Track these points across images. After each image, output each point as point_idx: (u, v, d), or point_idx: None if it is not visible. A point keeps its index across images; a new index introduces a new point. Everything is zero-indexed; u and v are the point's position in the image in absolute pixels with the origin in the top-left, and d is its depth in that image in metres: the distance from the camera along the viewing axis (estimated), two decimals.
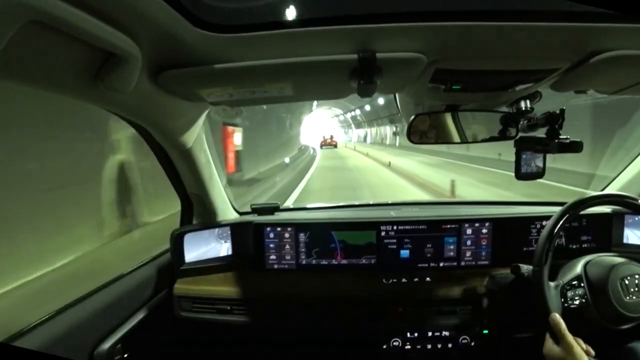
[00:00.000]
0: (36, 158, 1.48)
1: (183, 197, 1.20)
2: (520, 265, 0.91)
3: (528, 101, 0.91)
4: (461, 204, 1.74)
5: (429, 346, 1.09)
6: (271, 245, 1.21)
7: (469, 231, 1.17)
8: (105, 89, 0.56)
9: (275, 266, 1.21)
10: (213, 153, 1.15)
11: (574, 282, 0.87)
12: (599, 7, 0.52)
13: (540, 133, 0.92)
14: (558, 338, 0.77)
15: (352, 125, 50.14)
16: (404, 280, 1.12)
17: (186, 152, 0.99)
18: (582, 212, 0.89)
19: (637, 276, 0.83)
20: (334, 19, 0.58)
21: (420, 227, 1.18)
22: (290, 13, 0.59)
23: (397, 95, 1.01)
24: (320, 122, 63.06)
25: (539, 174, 1.04)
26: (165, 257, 1.16)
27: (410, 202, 1.56)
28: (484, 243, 1.17)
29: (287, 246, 1.20)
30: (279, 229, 1.20)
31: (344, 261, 1.19)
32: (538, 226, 1.17)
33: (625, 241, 1.19)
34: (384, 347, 1.09)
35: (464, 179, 8.87)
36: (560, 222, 0.86)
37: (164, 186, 1.10)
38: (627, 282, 0.82)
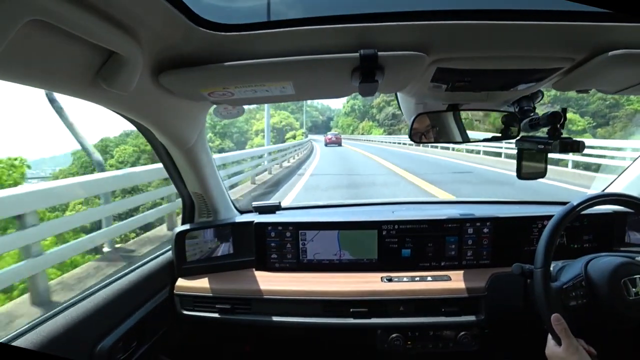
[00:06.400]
0: None
1: (185, 196, 1.20)
2: (522, 264, 0.91)
3: (530, 100, 0.91)
4: (462, 203, 1.73)
5: (430, 345, 1.09)
6: (272, 245, 1.21)
7: (470, 230, 1.17)
8: (107, 88, 0.56)
9: (277, 265, 1.21)
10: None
11: (575, 282, 0.87)
12: (601, 7, 0.52)
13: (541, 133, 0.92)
14: (560, 338, 0.77)
15: None
16: (405, 279, 1.12)
17: (188, 151, 0.99)
18: (584, 212, 0.89)
19: (638, 276, 0.83)
20: (335, 17, 0.58)
21: (422, 226, 1.18)
22: (292, 12, 0.59)
23: (398, 94, 1.01)
24: None
25: (541, 173, 1.04)
26: (167, 256, 1.16)
27: (412, 202, 1.56)
28: (485, 242, 1.17)
29: (289, 245, 1.20)
30: (280, 228, 1.20)
31: (346, 260, 1.19)
32: (539, 226, 1.17)
33: (626, 241, 1.19)
34: (385, 345, 1.09)
35: None
36: (562, 222, 0.86)
37: None
38: (628, 281, 0.82)
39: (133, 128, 0.88)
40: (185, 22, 0.55)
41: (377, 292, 1.08)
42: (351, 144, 30.87)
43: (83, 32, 0.44)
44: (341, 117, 61.55)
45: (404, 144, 22.30)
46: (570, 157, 8.57)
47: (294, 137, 42.84)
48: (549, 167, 1.02)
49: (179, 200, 4.82)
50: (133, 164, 18.83)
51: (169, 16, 0.53)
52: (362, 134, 46.49)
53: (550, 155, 0.97)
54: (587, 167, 9.16)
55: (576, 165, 8.99)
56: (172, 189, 4.70)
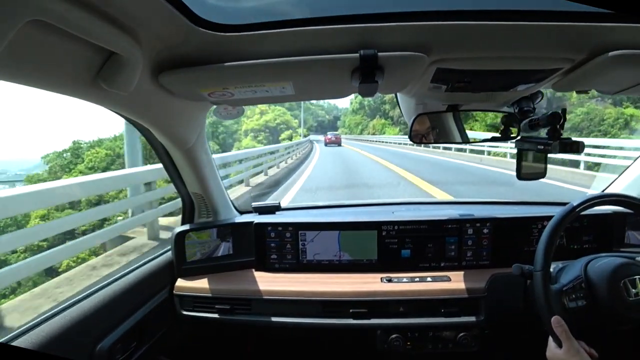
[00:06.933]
0: None
1: (185, 196, 1.20)
2: (522, 265, 0.91)
3: (529, 101, 0.91)
4: (462, 203, 1.73)
5: (430, 346, 1.09)
6: (272, 245, 1.21)
7: (469, 231, 1.17)
8: (107, 88, 0.56)
9: (277, 265, 1.21)
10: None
11: (575, 284, 0.86)
12: (601, 7, 0.52)
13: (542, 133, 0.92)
14: (560, 341, 0.77)
15: None
16: (405, 279, 1.12)
17: (188, 151, 1.00)
18: (583, 213, 0.89)
19: (638, 277, 0.83)
20: (335, 18, 0.58)
21: (422, 227, 1.18)
22: (292, 12, 0.59)
23: (398, 95, 1.01)
24: None
25: (541, 174, 1.04)
26: (167, 256, 1.16)
27: (412, 202, 1.56)
28: (484, 243, 1.17)
29: (288, 245, 1.20)
30: (280, 228, 1.20)
31: (345, 261, 1.19)
32: (539, 226, 1.17)
33: (626, 241, 1.19)
34: (385, 346, 1.08)
35: None
36: (561, 223, 0.86)
37: None
38: (628, 282, 0.82)
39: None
40: (185, 23, 0.55)
41: (377, 292, 1.08)
42: (359, 147, 26.91)
43: (83, 32, 0.44)
44: (349, 115, 54.71)
45: (433, 147, 16.05)
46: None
47: (290, 138, 38.87)
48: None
49: (161, 207, 4.39)
50: (104, 170, 15.87)
51: (168, 16, 0.53)
52: (374, 133, 39.36)
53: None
54: None
55: None
56: (149, 196, 4.05)
